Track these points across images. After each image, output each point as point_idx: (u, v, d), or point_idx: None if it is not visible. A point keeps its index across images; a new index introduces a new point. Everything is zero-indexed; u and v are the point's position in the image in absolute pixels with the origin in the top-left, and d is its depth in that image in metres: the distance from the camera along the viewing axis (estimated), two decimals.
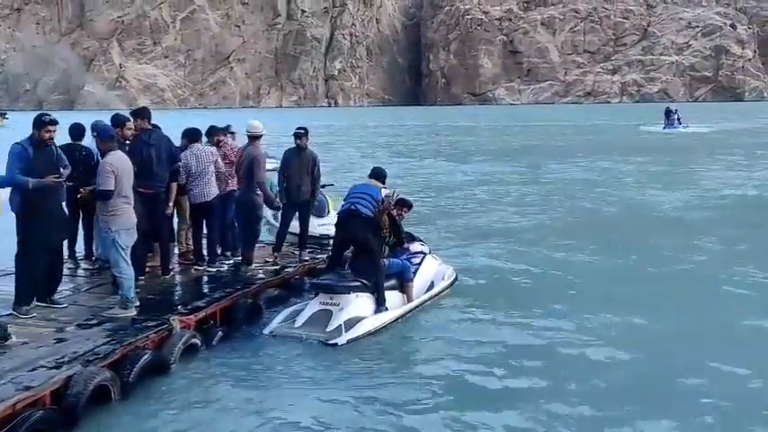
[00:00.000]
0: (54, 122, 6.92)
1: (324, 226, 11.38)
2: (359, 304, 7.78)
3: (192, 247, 9.41)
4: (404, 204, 8.83)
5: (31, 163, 6.75)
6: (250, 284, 8.41)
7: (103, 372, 5.66)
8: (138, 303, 7.12)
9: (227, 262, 9.25)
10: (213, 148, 9.19)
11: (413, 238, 9.42)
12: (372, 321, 7.68)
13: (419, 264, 8.88)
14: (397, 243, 8.64)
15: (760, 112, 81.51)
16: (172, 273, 8.76)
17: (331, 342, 7.28)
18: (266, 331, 7.52)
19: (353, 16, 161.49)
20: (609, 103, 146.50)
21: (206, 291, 8.17)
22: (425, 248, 9.35)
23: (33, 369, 5.54)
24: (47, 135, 6.87)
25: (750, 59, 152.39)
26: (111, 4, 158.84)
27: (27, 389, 5.19)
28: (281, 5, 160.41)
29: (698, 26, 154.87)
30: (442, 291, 8.90)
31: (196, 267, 9.08)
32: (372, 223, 8.07)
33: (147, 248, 8.58)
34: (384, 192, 8.32)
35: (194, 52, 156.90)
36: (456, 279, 9.36)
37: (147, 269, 8.51)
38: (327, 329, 7.48)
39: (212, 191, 8.89)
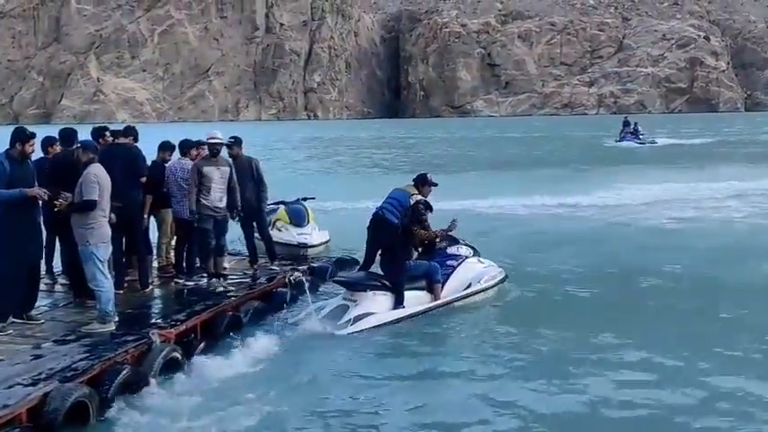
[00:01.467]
0: (34, 136, 6.93)
1: (302, 235, 11.49)
2: (374, 301, 8.33)
3: (174, 260, 9.36)
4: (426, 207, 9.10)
5: (8, 177, 6.67)
6: (231, 297, 8.34)
7: (81, 388, 5.56)
8: (116, 318, 7.03)
9: (205, 275, 9.20)
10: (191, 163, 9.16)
11: (456, 241, 9.66)
12: (382, 317, 8.22)
13: (456, 266, 9.24)
14: (429, 245, 9.07)
15: (734, 125, 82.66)
16: (151, 286, 8.68)
17: (337, 333, 7.88)
18: (291, 321, 8.21)
19: (332, 30, 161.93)
20: (586, 114, 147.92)
21: (186, 304, 8.08)
22: (467, 252, 9.60)
23: (9, 386, 5.44)
24: (30, 149, 6.85)
25: (724, 71, 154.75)
26: (88, 18, 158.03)
27: (3, 407, 5.09)
28: (259, 19, 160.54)
29: (672, 38, 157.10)
30: (477, 292, 9.19)
31: (176, 281, 9.01)
32: (396, 229, 8.65)
33: (126, 263, 8.54)
34: (415, 198, 8.79)
35: (173, 66, 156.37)
36: (502, 281, 9.61)
37: (126, 283, 8.43)
38: (339, 322, 8.10)
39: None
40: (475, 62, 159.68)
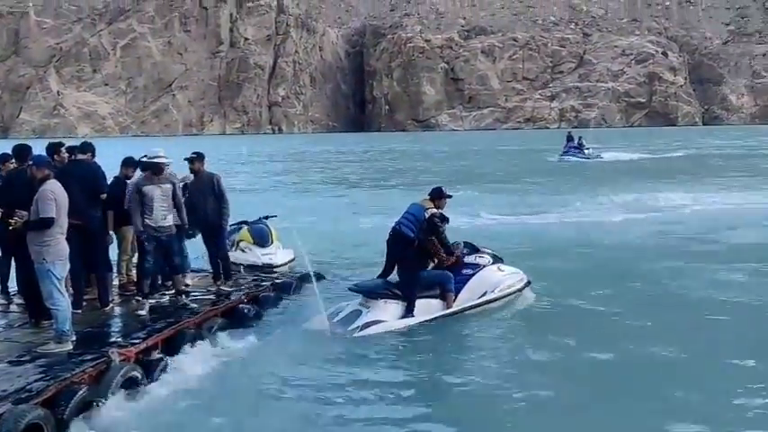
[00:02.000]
0: None
1: (267, 255, 11.37)
2: (385, 309, 8.77)
3: (135, 278, 9.23)
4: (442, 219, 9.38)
5: None
6: (192, 314, 8.24)
7: (36, 409, 5.43)
8: (74, 337, 6.89)
9: (168, 293, 9.07)
10: None
11: (475, 249, 9.90)
12: (390, 325, 8.66)
13: (471, 275, 9.46)
14: (447, 254, 9.31)
15: (691, 138, 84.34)
16: (112, 305, 8.54)
17: (348, 337, 8.33)
18: (306, 326, 8.60)
19: (296, 44, 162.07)
20: (548, 128, 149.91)
21: (147, 322, 7.96)
22: (486, 260, 9.75)
23: None
24: None
25: (681, 86, 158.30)
26: (48, 31, 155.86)
27: None
28: (224, 33, 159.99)
29: (632, 54, 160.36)
30: (491, 301, 9.42)
31: (137, 299, 8.88)
32: (412, 242, 9.09)
33: (85, 281, 8.40)
34: (430, 211, 9.16)
35: (135, 80, 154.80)
36: (523, 288, 9.79)
37: (85, 302, 8.28)
38: (349, 327, 8.52)
39: None
40: (439, 77, 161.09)
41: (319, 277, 10.43)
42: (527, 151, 57.94)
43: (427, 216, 9.10)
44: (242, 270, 10.67)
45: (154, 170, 8.46)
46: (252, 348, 7.84)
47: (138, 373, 6.64)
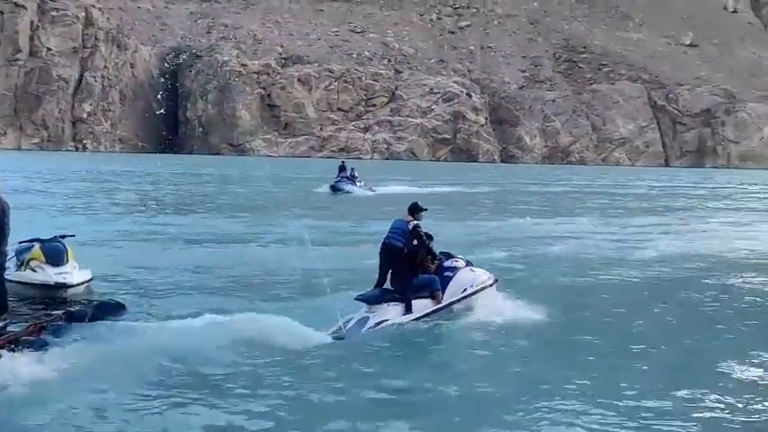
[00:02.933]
0: None
1: (61, 274, 11.06)
2: (388, 311, 10.52)
3: None
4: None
5: None
6: None
7: None
8: None
9: None
10: None
11: (450, 256, 11.82)
12: (396, 321, 10.42)
13: (452, 276, 11.43)
14: (432, 260, 11.30)
15: (484, 174, 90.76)
16: None
17: (345, 337, 9.82)
18: (328, 333, 9.77)
19: (106, 59, 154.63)
20: (361, 159, 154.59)
21: None
22: (461, 264, 11.77)
23: None
24: None
25: (483, 125, 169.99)
26: None
27: None
28: (22, 41, 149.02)
29: (439, 92, 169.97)
30: (470, 294, 11.44)
31: None
32: (402, 251, 10.87)
33: None
34: (412, 223, 11.08)
35: None
36: (492, 284, 11.80)
37: None
38: (363, 330, 10.13)
39: None
40: (255, 102, 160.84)
41: (117, 307, 10.30)
42: (315, 179, 54.81)
43: (410, 227, 11.01)
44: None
45: None
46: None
47: None
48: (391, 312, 10.50)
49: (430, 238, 11.34)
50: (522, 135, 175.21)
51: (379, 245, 11.20)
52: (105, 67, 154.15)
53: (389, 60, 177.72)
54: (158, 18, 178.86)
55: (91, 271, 11.71)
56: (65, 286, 10.81)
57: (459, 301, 11.27)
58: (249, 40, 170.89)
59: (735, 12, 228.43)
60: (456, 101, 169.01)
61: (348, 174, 42.91)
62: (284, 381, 8.09)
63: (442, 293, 11.07)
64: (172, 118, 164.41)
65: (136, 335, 9.12)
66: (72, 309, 9.92)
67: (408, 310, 10.61)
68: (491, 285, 11.84)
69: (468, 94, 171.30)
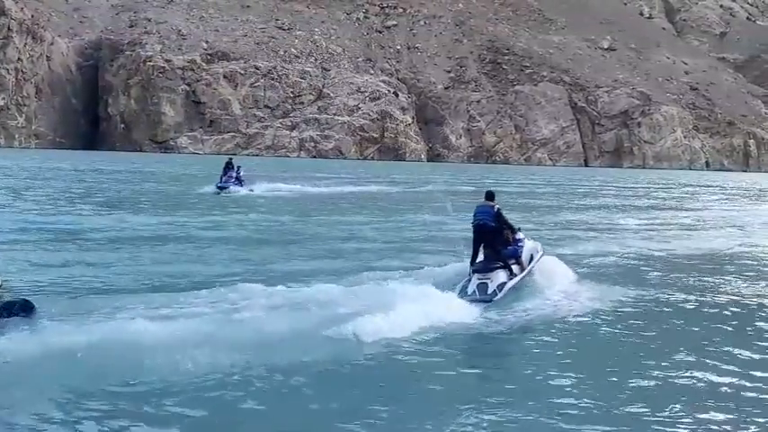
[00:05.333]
0: None
1: None
2: (499, 276, 13.17)
3: None
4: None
5: None
6: None
7: None
8: None
9: None
10: None
11: (518, 230, 14.69)
12: (510, 284, 13.06)
13: (522, 246, 14.44)
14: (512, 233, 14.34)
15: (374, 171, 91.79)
16: None
17: (493, 300, 12.63)
18: (461, 296, 12.58)
19: (20, 51, 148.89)
20: (288, 157, 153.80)
21: None
22: (523, 236, 14.81)
23: None
24: None
25: (410, 124, 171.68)
26: None
27: None
28: None
29: (366, 91, 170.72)
30: (539, 259, 14.66)
31: None
32: (495, 229, 13.59)
33: None
34: (496, 207, 13.88)
35: None
36: (543, 253, 14.94)
37: None
38: (488, 293, 12.69)
39: None
40: (179, 98, 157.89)
41: (23, 306, 10.20)
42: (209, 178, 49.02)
43: (495, 210, 13.75)
44: None
45: None
46: None
47: None
48: (501, 277, 13.19)
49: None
50: (448, 134, 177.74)
51: (472, 227, 13.71)
52: (19, 59, 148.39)
53: (317, 58, 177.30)
54: (77, 10, 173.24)
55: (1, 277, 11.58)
56: None
57: (534, 265, 14.26)
58: (173, 35, 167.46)
59: (650, 18, 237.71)
60: (383, 100, 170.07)
61: (236, 173, 39.76)
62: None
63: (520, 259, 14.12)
64: (92, 113, 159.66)
65: (40, 333, 9.12)
66: None
67: (511, 273, 13.38)
68: (544, 254, 15.02)
69: (395, 94, 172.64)
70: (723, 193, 67.07)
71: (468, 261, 13.73)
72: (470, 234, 13.75)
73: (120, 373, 8.31)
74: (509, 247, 13.99)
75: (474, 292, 12.78)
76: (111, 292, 13.03)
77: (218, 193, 37.82)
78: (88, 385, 7.90)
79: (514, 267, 13.68)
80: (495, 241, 13.57)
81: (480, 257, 13.66)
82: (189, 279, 14.37)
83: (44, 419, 6.99)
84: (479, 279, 13.00)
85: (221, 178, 39.63)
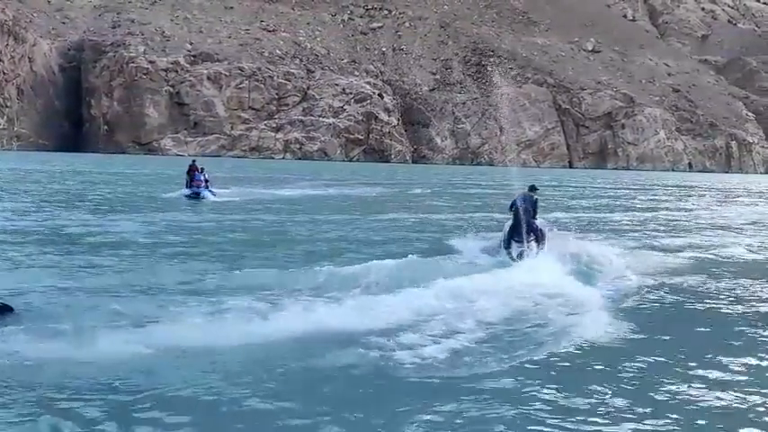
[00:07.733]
0: None
1: None
2: (533, 246, 17.26)
3: None
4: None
5: None
6: None
7: None
8: None
9: None
10: None
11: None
12: (543, 251, 17.17)
13: (538, 225, 18.16)
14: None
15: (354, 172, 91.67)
16: None
17: (533, 256, 16.98)
18: (501, 257, 17.38)
19: (1, 52, 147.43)
20: (273, 158, 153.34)
21: None
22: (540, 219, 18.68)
23: None
24: None
25: (395, 126, 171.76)
26: None
27: None
28: None
29: (351, 93, 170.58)
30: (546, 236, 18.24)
31: None
32: (533, 214, 17.83)
33: None
34: (535, 196, 18.31)
35: None
36: (551, 230, 18.94)
37: None
38: (531, 256, 16.78)
39: None
40: (163, 100, 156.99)
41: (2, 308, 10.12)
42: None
43: (534, 199, 18.11)
44: None
45: None
46: None
47: None
48: (535, 247, 17.21)
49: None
50: (434, 136, 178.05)
51: (516, 210, 17.59)
52: (1, 60, 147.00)
53: (301, 60, 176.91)
54: (60, 11, 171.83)
55: None
56: None
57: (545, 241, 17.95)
58: (157, 36, 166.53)
59: (634, 20, 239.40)
60: (368, 101, 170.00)
61: (205, 176, 36.57)
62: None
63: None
64: (75, 115, 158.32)
65: (16, 336, 8.91)
66: None
67: (542, 245, 17.34)
68: (550, 230, 18.70)
69: (381, 95, 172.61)
70: (710, 195, 67.55)
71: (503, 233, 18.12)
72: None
73: (95, 378, 8.05)
74: (536, 226, 18.10)
75: (519, 255, 17.10)
76: (89, 293, 12.71)
77: (190, 199, 34.83)
78: (62, 389, 7.65)
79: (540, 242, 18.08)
80: (531, 222, 17.78)
81: (520, 231, 17.69)
82: (178, 281, 14.04)
83: (15, 425, 6.72)
84: (518, 247, 17.34)
85: (189, 183, 36.39)
